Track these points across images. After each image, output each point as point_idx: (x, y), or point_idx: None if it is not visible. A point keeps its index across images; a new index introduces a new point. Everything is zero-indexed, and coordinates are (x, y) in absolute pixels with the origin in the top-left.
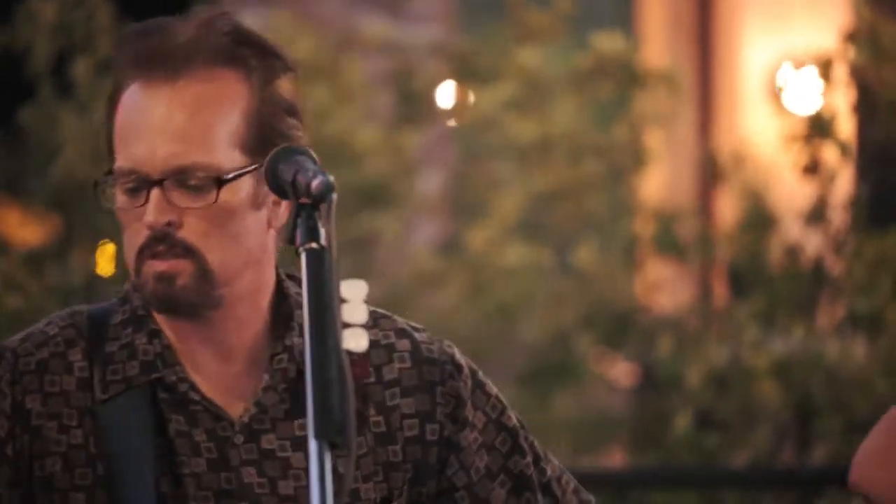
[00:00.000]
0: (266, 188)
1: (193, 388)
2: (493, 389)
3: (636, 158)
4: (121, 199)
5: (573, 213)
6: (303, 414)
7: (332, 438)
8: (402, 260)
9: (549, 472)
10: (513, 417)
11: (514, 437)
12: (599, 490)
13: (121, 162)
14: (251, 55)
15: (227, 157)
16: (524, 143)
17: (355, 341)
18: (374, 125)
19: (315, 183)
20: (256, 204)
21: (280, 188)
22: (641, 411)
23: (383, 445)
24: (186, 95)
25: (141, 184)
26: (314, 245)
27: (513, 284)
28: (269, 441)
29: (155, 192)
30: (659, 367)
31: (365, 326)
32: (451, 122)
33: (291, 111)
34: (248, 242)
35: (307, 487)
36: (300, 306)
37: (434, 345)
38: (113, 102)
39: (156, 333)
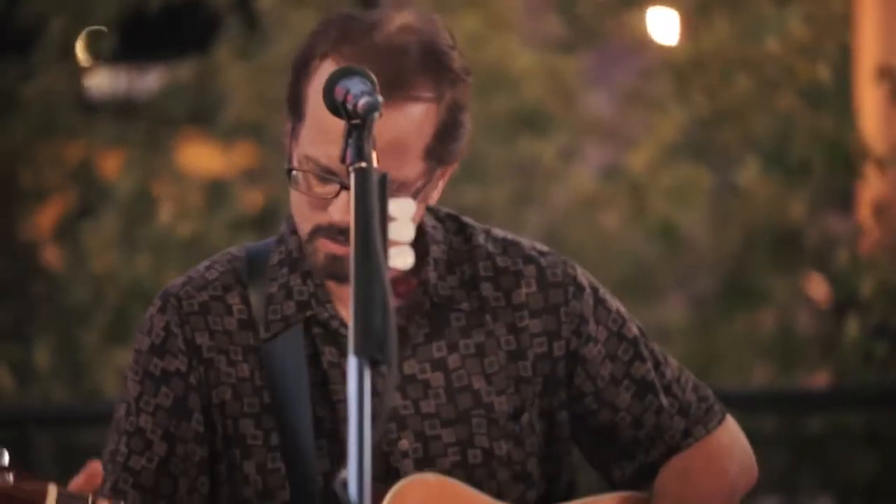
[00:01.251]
0: (433, 180)
1: (343, 323)
2: (614, 305)
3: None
4: (308, 181)
5: (736, 134)
6: (442, 337)
7: (372, 355)
8: (564, 184)
9: (668, 375)
10: (633, 328)
11: (636, 347)
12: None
13: (316, 153)
14: (452, 78)
15: (415, 168)
16: (681, 62)
17: (401, 259)
18: (533, 50)
19: (361, 103)
20: (425, 197)
21: (334, 108)
22: (818, 328)
23: (514, 362)
24: (395, 113)
25: (332, 180)
26: (362, 164)
27: (677, 206)
28: (410, 366)
29: (345, 194)
30: (832, 282)
31: (494, 253)
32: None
33: (465, 108)
34: (416, 216)
35: (447, 402)
36: (436, 241)
37: (558, 268)
38: (306, 69)
39: (309, 274)
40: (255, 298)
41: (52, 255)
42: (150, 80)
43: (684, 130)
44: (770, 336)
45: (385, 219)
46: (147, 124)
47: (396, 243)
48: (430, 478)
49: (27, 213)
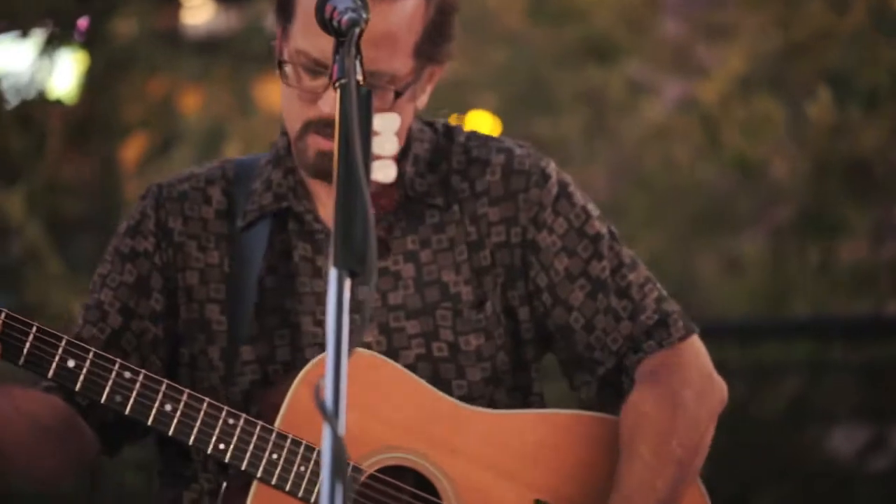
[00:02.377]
0: (420, 80)
1: (317, 218)
2: (581, 201)
3: None
4: (298, 74)
5: (808, 65)
6: (416, 231)
7: (352, 267)
8: (635, 116)
9: (630, 278)
10: (598, 227)
11: (596, 244)
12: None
13: (307, 46)
14: None
15: (405, 64)
16: None
17: (383, 173)
18: None
19: (344, 20)
20: (413, 97)
21: (324, 24)
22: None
23: (476, 251)
24: (387, 8)
25: (322, 73)
26: (345, 80)
27: (750, 138)
28: (382, 259)
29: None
30: None
31: (471, 146)
32: None
33: (453, 12)
34: (402, 124)
35: (414, 293)
36: (420, 140)
37: (529, 159)
38: None
39: (291, 171)
40: (238, 191)
41: (134, 190)
42: (232, 18)
43: (757, 62)
44: (846, 266)
45: (369, 133)
46: (229, 61)
47: (380, 157)
48: (363, 353)
49: (112, 148)
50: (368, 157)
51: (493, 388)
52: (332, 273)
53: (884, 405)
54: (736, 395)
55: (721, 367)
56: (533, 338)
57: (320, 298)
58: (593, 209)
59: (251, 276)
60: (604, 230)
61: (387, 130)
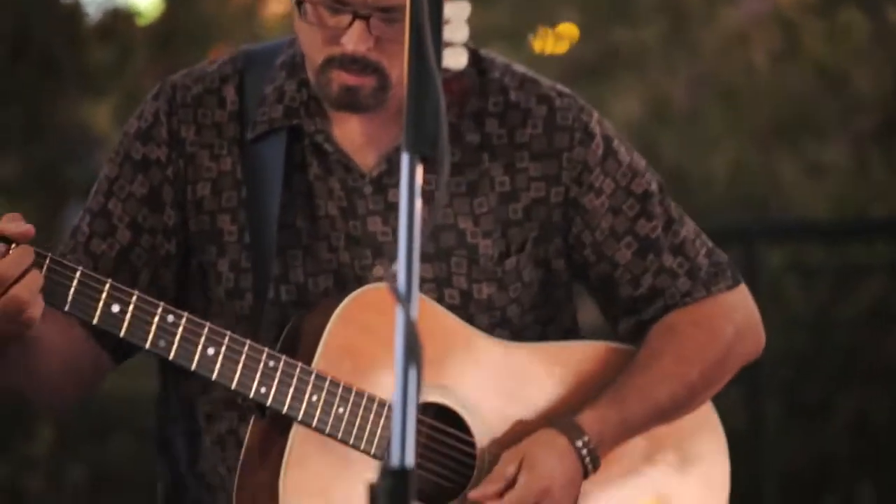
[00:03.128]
0: None
1: (329, 139)
2: (627, 158)
3: None
4: (318, 13)
5: None
6: (433, 169)
7: (423, 152)
8: (714, 24)
9: (682, 234)
10: (645, 184)
11: (644, 203)
12: None
13: None
14: None
15: None
16: None
17: (454, 59)
18: None
19: None
20: None
21: None
22: None
23: (505, 204)
24: None
25: (344, 10)
26: None
27: (831, 46)
28: (395, 195)
29: (358, 23)
30: None
31: (509, 87)
32: None
33: None
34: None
35: (428, 238)
36: (447, 72)
37: (571, 112)
38: None
39: (305, 83)
40: (250, 92)
41: None
42: None
43: None
44: None
45: (440, 19)
46: None
47: (451, 44)
48: (382, 286)
49: (194, 59)
50: (440, 44)
51: (500, 331)
52: (405, 158)
53: None
54: (819, 297)
55: (804, 268)
56: (566, 283)
57: (334, 223)
58: (638, 161)
59: (266, 188)
60: (651, 186)
61: (457, 18)
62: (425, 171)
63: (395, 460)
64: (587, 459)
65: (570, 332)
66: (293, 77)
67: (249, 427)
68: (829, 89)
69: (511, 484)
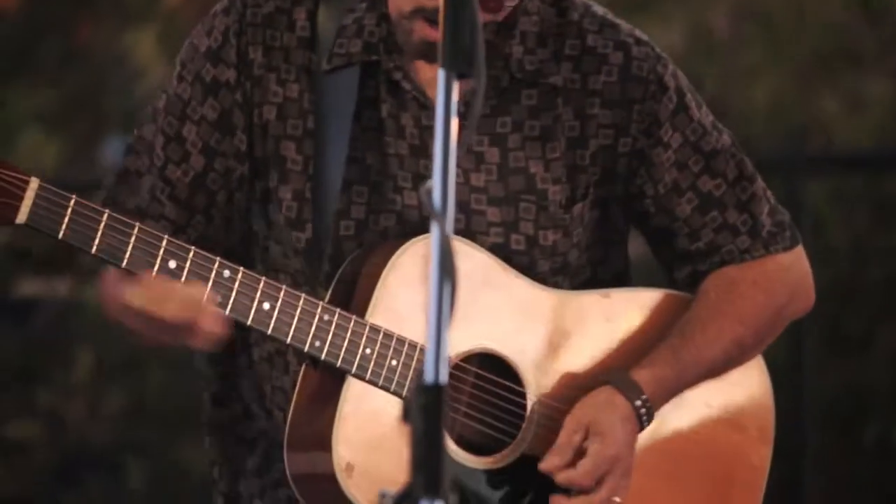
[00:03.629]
0: None
1: (407, 76)
2: (697, 113)
3: None
4: None
5: None
6: (508, 112)
7: (460, 69)
8: None
9: (751, 190)
10: (713, 141)
11: (710, 160)
12: None
13: None
14: None
15: None
16: None
17: None
18: None
19: None
20: None
21: None
22: None
23: (573, 149)
24: None
25: None
26: None
27: None
28: (469, 136)
29: None
30: None
31: (588, 30)
32: None
33: None
34: None
35: (497, 181)
36: (527, 13)
37: (647, 62)
38: None
39: (385, 18)
40: (324, 20)
41: None
42: None
43: None
44: None
45: None
46: None
47: None
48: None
49: None
50: None
51: (562, 277)
52: (441, 75)
53: None
54: (860, 229)
55: (844, 198)
56: (620, 227)
57: (403, 162)
58: (706, 117)
59: (336, 121)
60: (720, 143)
61: None
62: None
63: (428, 377)
64: (644, 418)
65: (622, 274)
66: (373, 10)
67: (301, 374)
68: (870, 20)
69: (581, 453)
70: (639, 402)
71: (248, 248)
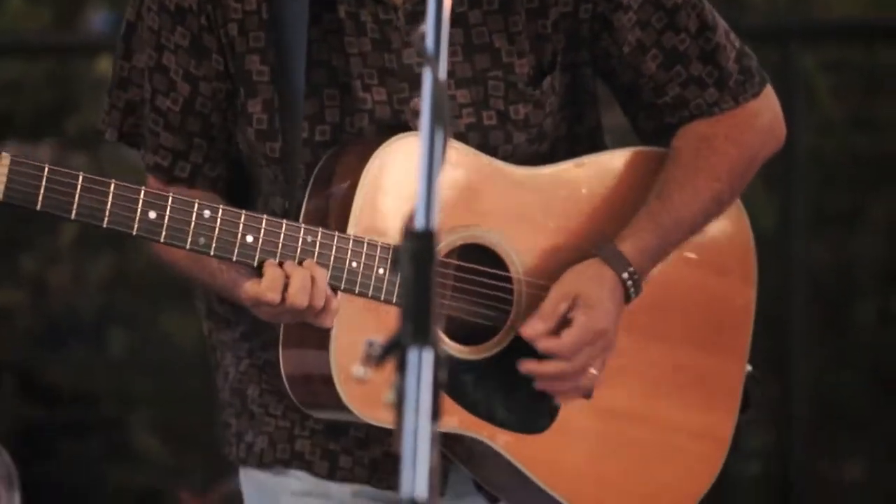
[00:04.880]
0: None
1: None
2: None
3: None
4: None
5: None
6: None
7: None
8: None
9: (714, 41)
10: None
11: (673, 16)
12: None
13: None
14: None
15: None
16: None
17: None
18: None
19: None
20: None
21: None
22: None
23: (534, 19)
24: None
25: None
26: None
27: None
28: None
29: None
30: None
31: None
32: None
33: None
34: None
35: (463, 61)
36: None
37: None
38: None
39: None
40: None
41: None
42: None
43: None
44: None
45: None
46: None
47: None
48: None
49: None
50: None
51: (538, 145)
52: None
53: None
54: (853, 99)
55: (838, 68)
56: (591, 88)
57: (366, 59)
58: None
59: (293, 24)
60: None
61: None
62: None
63: (418, 223)
64: (631, 290)
65: (595, 129)
66: None
67: None
68: None
69: (566, 322)
70: (626, 275)
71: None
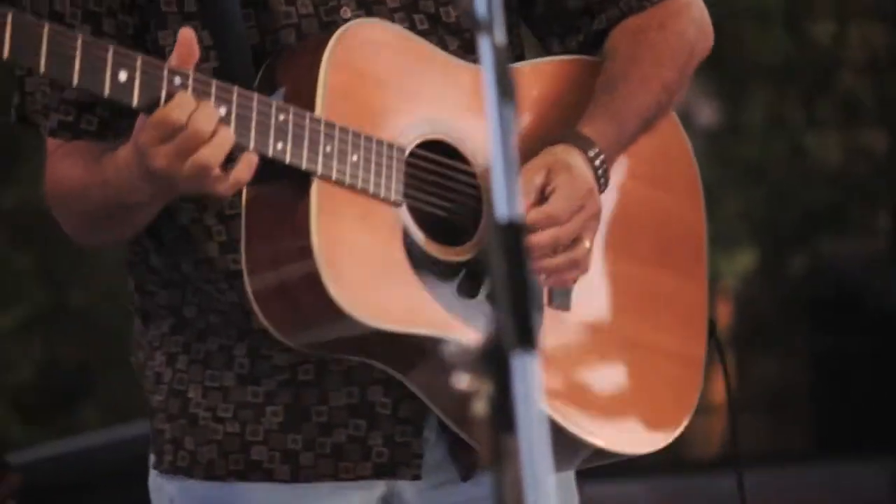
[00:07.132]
0: None
1: None
2: None
3: None
4: None
5: None
6: None
7: None
8: None
9: None
10: None
11: None
12: None
13: None
14: None
15: None
16: None
17: None
18: None
19: None
20: None
21: None
22: None
23: None
24: None
25: None
26: None
27: None
28: None
29: None
30: None
31: None
32: None
33: None
34: None
35: None
36: None
37: None
38: None
39: None
40: None
41: None
42: None
43: None
44: None
45: None
46: None
47: None
48: (376, 22)
49: None
50: None
51: (469, 55)
52: None
53: None
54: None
55: None
56: (514, 8)
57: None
58: None
59: None
60: None
61: None
62: None
63: (502, 213)
64: (599, 173)
65: (520, 57)
66: None
67: (244, 201)
68: None
69: (544, 196)
70: (592, 154)
71: None
